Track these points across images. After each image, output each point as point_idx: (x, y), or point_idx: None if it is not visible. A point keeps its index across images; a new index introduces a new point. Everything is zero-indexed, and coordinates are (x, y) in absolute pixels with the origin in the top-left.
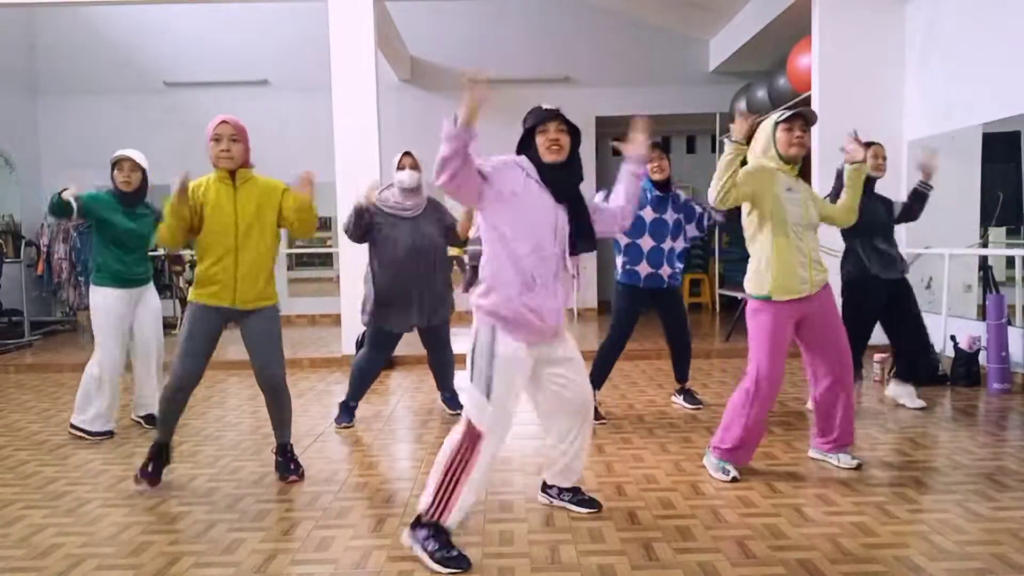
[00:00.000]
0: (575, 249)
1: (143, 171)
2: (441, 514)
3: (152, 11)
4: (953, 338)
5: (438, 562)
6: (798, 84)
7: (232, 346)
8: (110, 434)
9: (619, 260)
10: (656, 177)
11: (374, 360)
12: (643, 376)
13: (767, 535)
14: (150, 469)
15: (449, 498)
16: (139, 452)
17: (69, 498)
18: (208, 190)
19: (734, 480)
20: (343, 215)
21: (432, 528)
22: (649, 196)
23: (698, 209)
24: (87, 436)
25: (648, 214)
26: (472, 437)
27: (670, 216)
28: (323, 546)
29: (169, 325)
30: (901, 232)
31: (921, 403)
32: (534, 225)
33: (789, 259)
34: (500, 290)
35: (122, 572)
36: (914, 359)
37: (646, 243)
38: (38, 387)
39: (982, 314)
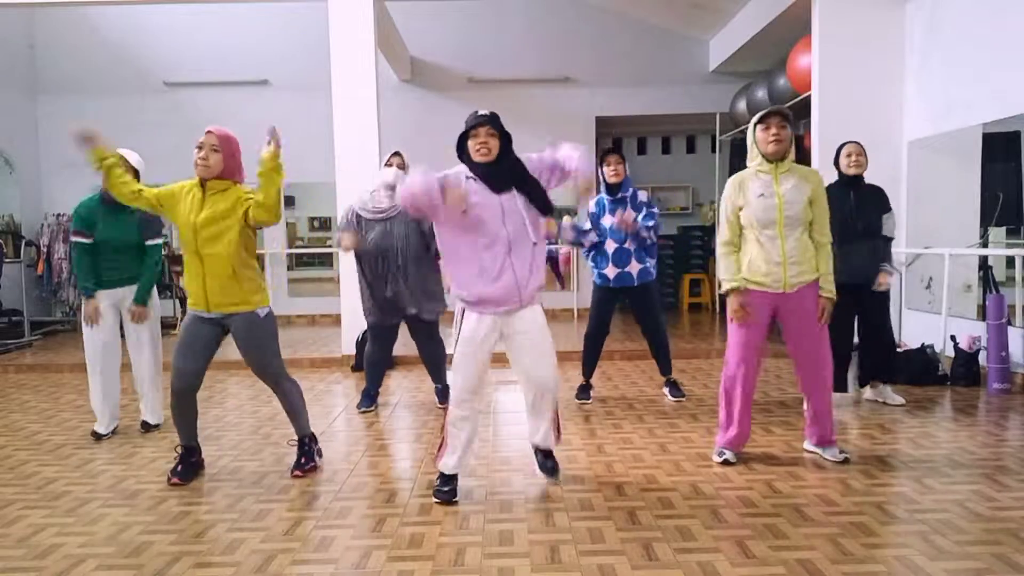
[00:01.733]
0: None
1: (136, 172)
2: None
3: (152, 11)
4: (953, 338)
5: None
6: (798, 84)
7: (231, 346)
8: (97, 436)
9: (590, 265)
10: (611, 180)
11: (375, 351)
12: (643, 376)
13: (767, 535)
14: (179, 469)
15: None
16: (139, 452)
17: (69, 498)
18: (184, 197)
19: (725, 463)
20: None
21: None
22: (606, 203)
23: (651, 223)
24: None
25: (607, 220)
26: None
27: (628, 219)
28: (323, 546)
29: (169, 325)
30: (901, 232)
31: (899, 399)
32: (483, 220)
33: (758, 256)
34: (462, 280)
35: (122, 572)
36: (869, 361)
37: (609, 246)
38: (38, 387)
39: (982, 314)
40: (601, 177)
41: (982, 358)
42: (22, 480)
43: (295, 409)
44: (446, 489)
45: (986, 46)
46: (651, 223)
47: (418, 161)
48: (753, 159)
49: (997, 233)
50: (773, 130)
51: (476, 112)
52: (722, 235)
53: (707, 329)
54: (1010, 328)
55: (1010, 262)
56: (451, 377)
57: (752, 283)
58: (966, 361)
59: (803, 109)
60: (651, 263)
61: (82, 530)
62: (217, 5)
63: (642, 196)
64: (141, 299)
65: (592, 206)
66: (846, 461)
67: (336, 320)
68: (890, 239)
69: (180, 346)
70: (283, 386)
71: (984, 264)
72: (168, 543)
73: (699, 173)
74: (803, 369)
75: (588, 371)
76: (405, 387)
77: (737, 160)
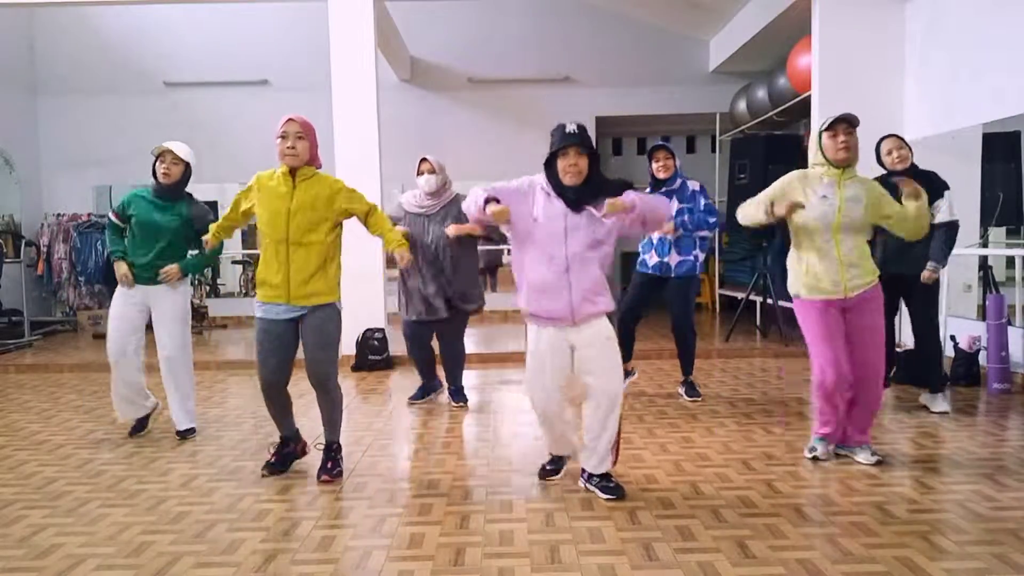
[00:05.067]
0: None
1: (186, 164)
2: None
3: (152, 11)
4: (953, 338)
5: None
6: (798, 84)
7: (231, 346)
8: (139, 428)
9: (640, 247)
10: (661, 176)
11: (411, 350)
12: (643, 376)
13: (767, 535)
14: (272, 460)
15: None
16: (139, 452)
17: (69, 498)
18: (268, 184)
19: (815, 459)
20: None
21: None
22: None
23: (707, 213)
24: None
25: None
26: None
27: (673, 208)
28: (323, 546)
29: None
30: None
31: (944, 407)
32: (543, 237)
33: (814, 261)
34: (523, 292)
35: (122, 572)
36: (916, 362)
37: (653, 235)
38: (38, 387)
39: (982, 314)
40: (650, 171)
41: (982, 358)
42: (22, 480)
43: (334, 416)
44: (549, 468)
45: (986, 46)
46: (709, 219)
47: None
48: (818, 163)
49: (997, 233)
50: (841, 137)
51: (564, 128)
52: (751, 206)
53: (707, 329)
54: (1010, 328)
55: (1010, 262)
56: (526, 393)
57: (815, 293)
58: (966, 361)
59: (803, 109)
60: (695, 256)
61: (82, 530)
62: (217, 5)
63: (692, 186)
64: (184, 267)
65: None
66: (879, 463)
67: None
68: (942, 225)
69: (258, 343)
70: (332, 389)
71: (984, 264)
72: (168, 543)
73: (699, 173)
74: (855, 370)
75: (626, 354)
76: (405, 387)
77: (737, 160)
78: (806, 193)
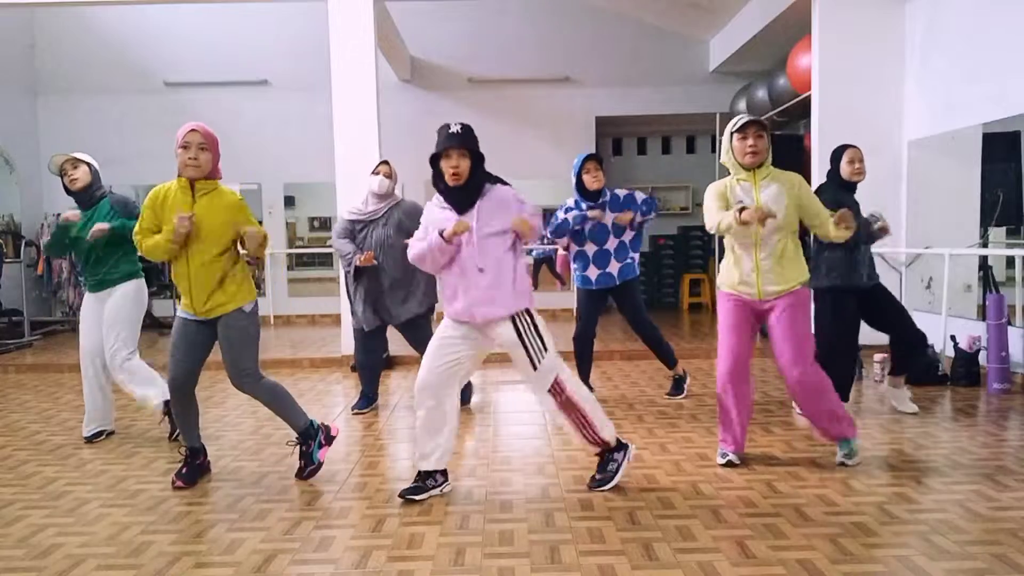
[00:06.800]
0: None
1: (88, 164)
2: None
3: (152, 11)
4: (953, 338)
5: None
6: (798, 84)
7: None
8: (97, 436)
9: (573, 267)
10: (593, 187)
11: (363, 355)
12: (643, 376)
13: (767, 535)
14: (183, 472)
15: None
16: (139, 452)
17: (69, 498)
18: (168, 198)
19: (729, 464)
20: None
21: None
22: (584, 207)
23: (640, 198)
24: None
25: (585, 225)
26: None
27: (608, 218)
28: (323, 546)
29: (167, 325)
30: (900, 232)
31: (913, 408)
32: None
33: (733, 262)
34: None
35: (122, 572)
36: (905, 353)
37: (589, 248)
38: (38, 387)
39: (982, 314)
40: (578, 181)
41: (982, 358)
42: (22, 480)
43: (284, 405)
44: (411, 487)
45: (986, 46)
46: (646, 209)
47: (416, 162)
48: (730, 166)
49: (997, 233)
50: (750, 141)
51: (447, 129)
52: (713, 215)
53: (707, 329)
54: (1010, 328)
55: (1010, 262)
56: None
57: (729, 287)
58: (966, 361)
59: (803, 109)
60: (633, 257)
61: (82, 530)
62: (217, 5)
63: (620, 192)
64: (111, 225)
65: (570, 203)
66: (857, 464)
67: (336, 320)
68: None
69: (172, 346)
70: (259, 390)
71: (984, 264)
72: (168, 543)
73: (699, 173)
74: (789, 373)
75: (582, 373)
76: (405, 387)
77: None
78: (724, 199)
